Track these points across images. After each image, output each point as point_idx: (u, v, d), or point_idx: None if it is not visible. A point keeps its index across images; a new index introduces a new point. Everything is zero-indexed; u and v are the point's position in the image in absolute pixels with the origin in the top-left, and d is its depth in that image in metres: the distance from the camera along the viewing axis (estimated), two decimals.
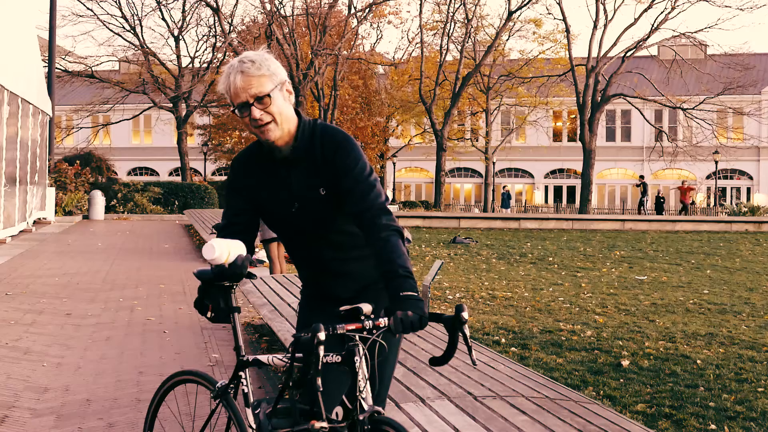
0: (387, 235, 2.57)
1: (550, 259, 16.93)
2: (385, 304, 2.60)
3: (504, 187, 45.62)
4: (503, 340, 7.97)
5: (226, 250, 2.62)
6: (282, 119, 2.69)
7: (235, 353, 2.84)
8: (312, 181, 2.72)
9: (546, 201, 57.65)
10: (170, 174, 58.09)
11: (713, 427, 5.25)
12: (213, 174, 56.65)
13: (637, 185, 38.29)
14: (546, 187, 58.49)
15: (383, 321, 2.44)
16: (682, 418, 5.42)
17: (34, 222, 21.99)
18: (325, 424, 2.48)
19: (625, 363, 7.01)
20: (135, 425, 4.98)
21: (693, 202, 44.24)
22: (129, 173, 59.14)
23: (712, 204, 50.61)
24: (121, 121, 46.63)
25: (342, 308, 2.48)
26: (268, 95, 2.65)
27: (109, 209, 29.40)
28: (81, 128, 44.90)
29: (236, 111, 2.69)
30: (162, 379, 6.06)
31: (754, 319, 9.71)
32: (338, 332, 2.40)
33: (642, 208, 37.56)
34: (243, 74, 2.65)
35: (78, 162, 31.54)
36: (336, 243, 2.79)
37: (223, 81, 2.70)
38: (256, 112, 2.65)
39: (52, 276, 12.25)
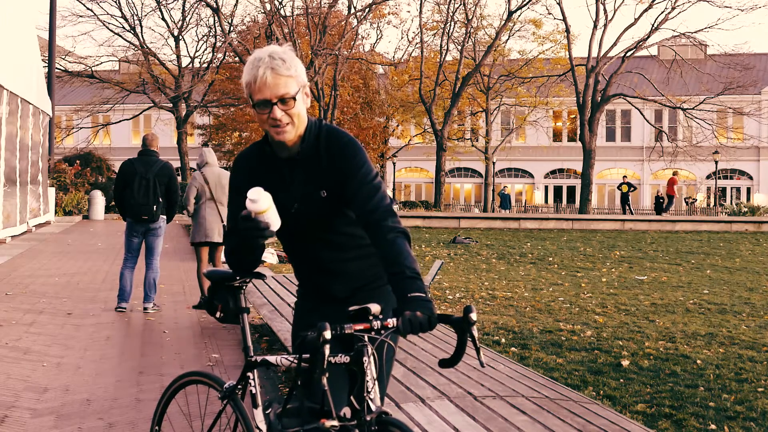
0: (393, 237, 2.57)
1: (550, 259, 16.93)
2: (383, 304, 2.60)
3: (504, 188, 45.56)
4: (503, 340, 7.97)
5: (269, 200, 2.55)
6: (299, 121, 2.66)
7: (244, 354, 2.83)
8: (313, 182, 2.71)
9: (546, 201, 57.63)
10: None
11: (713, 427, 5.25)
12: None
13: (620, 185, 37.93)
14: (546, 187, 58.47)
15: (391, 321, 2.42)
16: (682, 418, 5.42)
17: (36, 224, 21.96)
18: (335, 423, 2.47)
19: (625, 363, 7.00)
20: (135, 425, 4.98)
21: (688, 200, 44.03)
22: None
23: (712, 204, 50.58)
24: (121, 121, 46.62)
25: (351, 308, 2.46)
26: (293, 98, 2.61)
27: (109, 209, 29.38)
28: (81, 128, 44.86)
29: (255, 106, 2.63)
30: (162, 379, 6.08)
31: (754, 319, 9.71)
32: (346, 332, 2.39)
33: (626, 207, 36.94)
34: (273, 71, 2.58)
35: (78, 162, 31.57)
36: (334, 243, 2.78)
37: (250, 72, 2.61)
38: (278, 113, 2.61)
39: (52, 276, 12.25)
